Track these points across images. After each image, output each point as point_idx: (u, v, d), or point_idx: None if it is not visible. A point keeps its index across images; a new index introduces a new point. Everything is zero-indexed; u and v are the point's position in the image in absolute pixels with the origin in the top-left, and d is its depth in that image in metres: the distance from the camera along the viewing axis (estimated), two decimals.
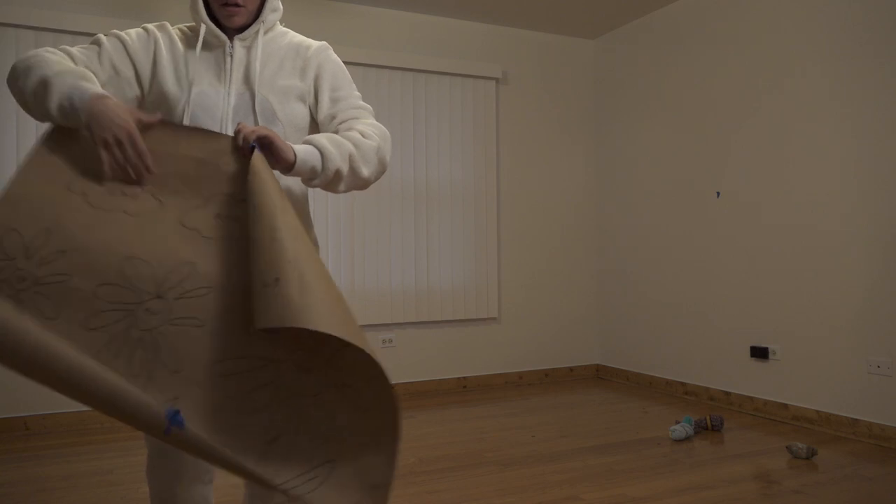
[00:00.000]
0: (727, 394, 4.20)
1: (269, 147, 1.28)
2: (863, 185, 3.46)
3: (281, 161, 1.30)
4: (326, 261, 4.47)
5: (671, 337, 4.65)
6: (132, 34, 1.48)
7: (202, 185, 1.26)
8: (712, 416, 3.66)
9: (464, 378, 4.86)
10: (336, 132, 1.48)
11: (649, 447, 3.36)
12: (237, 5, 1.43)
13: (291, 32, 1.59)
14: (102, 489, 2.84)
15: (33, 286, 1.12)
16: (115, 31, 1.49)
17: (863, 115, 3.46)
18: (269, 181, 1.23)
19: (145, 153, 1.22)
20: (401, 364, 4.68)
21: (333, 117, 1.52)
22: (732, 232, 4.18)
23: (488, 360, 4.96)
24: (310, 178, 1.37)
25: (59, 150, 1.22)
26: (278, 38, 1.55)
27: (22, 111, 3.79)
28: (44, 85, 1.24)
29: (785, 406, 3.84)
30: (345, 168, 1.40)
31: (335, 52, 1.60)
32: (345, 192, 1.46)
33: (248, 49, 1.50)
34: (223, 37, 1.48)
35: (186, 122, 1.44)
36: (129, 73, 1.45)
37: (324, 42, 1.59)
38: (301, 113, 1.53)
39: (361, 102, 1.56)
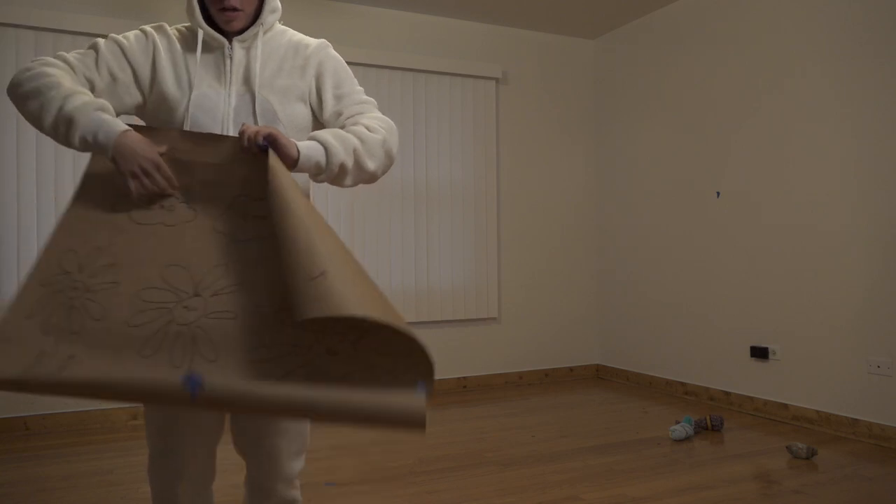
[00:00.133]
0: (727, 394, 4.20)
1: (273, 144, 1.31)
2: (863, 185, 3.46)
3: (285, 158, 1.32)
4: None
5: (671, 337, 4.65)
6: (130, 37, 1.48)
7: (223, 189, 1.35)
8: (712, 416, 3.66)
9: (464, 378, 4.86)
10: (343, 128, 1.49)
11: (649, 447, 3.36)
12: (235, 10, 1.43)
13: (290, 31, 1.58)
14: (102, 489, 2.84)
15: (84, 293, 1.28)
16: (113, 35, 1.49)
17: (863, 115, 3.46)
18: (290, 180, 1.30)
19: (171, 177, 1.33)
20: None
21: (339, 114, 1.53)
22: (732, 232, 4.18)
23: (488, 360, 4.96)
24: (315, 173, 1.40)
25: (102, 175, 1.36)
26: (277, 37, 1.54)
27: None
28: (67, 120, 1.32)
29: (785, 406, 3.84)
30: (349, 162, 1.42)
31: (335, 51, 1.60)
32: (352, 185, 1.48)
33: (248, 50, 1.50)
34: (222, 39, 1.48)
35: (187, 124, 1.44)
36: (128, 78, 1.45)
37: (323, 39, 1.59)
38: (302, 113, 1.53)
39: (365, 97, 1.57)
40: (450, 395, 4.67)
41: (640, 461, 3.14)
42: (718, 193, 4.28)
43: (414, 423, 1.19)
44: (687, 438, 3.48)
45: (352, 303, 1.15)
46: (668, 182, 4.67)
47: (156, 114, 1.48)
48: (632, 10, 4.77)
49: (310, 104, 1.55)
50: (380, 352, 1.26)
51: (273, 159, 1.32)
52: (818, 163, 3.68)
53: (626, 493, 2.72)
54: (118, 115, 1.43)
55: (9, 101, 3.75)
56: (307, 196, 1.58)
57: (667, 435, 3.58)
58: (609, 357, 5.23)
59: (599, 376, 5.29)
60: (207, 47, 1.49)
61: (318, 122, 1.58)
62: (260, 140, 1.31)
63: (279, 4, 1.52)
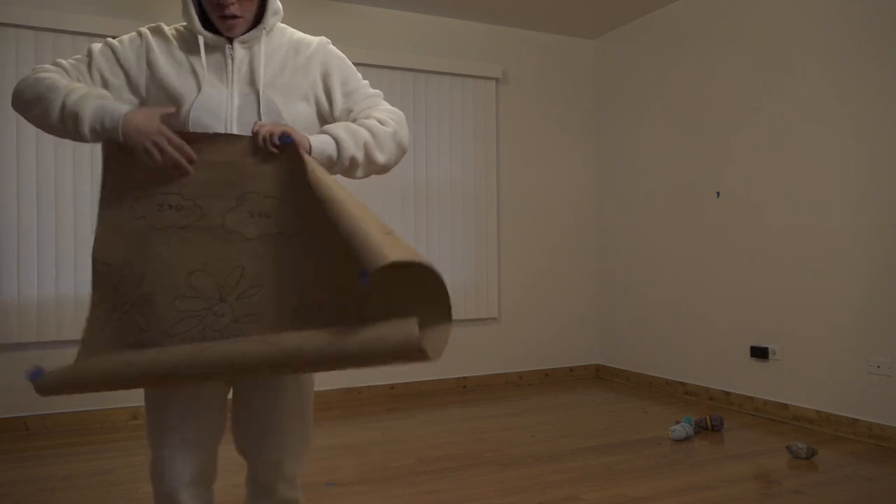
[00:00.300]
0: (727, 394, 4.20)
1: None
2: (863, 185, 3.46)
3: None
4: None
5: (671, 337, 4.65)
6: (124, 40, 1.49)
7: (233, 187, 1.39)
8: (712, 416, 3.66)
9: (464, 378, 4.86)
10: (354, 122, 1.54)
11: (649, 447, 3.36)
12: (235, 17, 1.44)
13: (290, 29, 1.59)
14: (102, 489, 2.84)
15: (131, 309, 1.37)
16: (108, 39, 1.51)
17: (863, 115, 3.46)
18: (324, 171, 1.38)
19: (182, 144, 1.35)
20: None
21: (350, 111, 1.57)
22: (732, 232, 4.18)
23: (488, 360, 4.96)
24: (327, 166, 1.45)
25: (115, 181, 1.40)
26: (277, 36, 1.55)
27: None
28: (72, 116, 1.36)
29: (785, 406, 3.84)
30: (360, 156, 1.48)
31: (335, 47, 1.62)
32: (363, 177, 1.54)
33: (250, 49, 1.51)
34: (221, 40, 1.49)
35: (190, 124, 1.44)
36: (120, 83, 1.47)
37: (323, 37, 1.61)
38: (305, 112, 1.54)
39: (371, 90, 1.61)
40: (450, 395, 4.67)
41: (640, 461, 3.14)
42: (718, 193, 4.28)
43: (410, 350, 1.22)
44: (687, 438, 3.48)
45: (415, 253, 1.26)
46: (668, 182, 4.67)
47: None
48: (632, 10, 4.77)
49: (315, 103, 1.56)
50: (385, 315, 1.32)
51: (297, 154, 1.39)
52: (818, 163, 3.68)
53: (626, 493, 2.72)
54: None
55: (8, 101, 3.75)
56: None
57: (667, 435, 3.58)
58: (609, 357, 5.23)
59: (599, 376, 5.29)
60: (208, 47, 1.50)
61: (322, 120, 1.60)
62: (276, 139, 1.36)
63: (280, 6, 1.53)
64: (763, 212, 3.98)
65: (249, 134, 1.43)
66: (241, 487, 2.81)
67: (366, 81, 1.62)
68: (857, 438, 3.46)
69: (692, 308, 4.48)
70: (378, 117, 1.53)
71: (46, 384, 1.29)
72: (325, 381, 4.46)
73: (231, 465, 3.09)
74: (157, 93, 1.47)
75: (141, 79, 1.47)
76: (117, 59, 1.47)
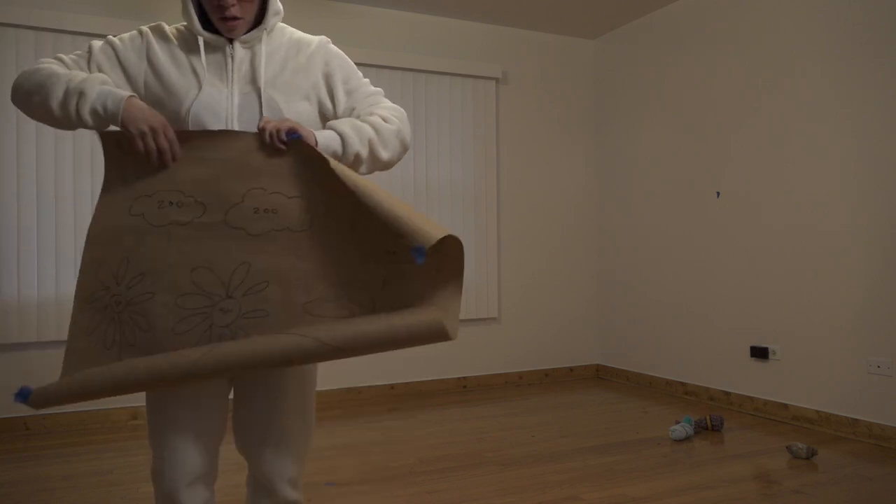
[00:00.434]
0: (727, 394, 4.20)
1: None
2: (863, 185, 3.46)
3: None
4: None
5: (671, 337, 4.65)
6: (125, 38, 1.50)
7: (236, 183, 1.39)
8: (712, 416, 3.66)
9: (464, 378, 4.86)
10: (358, 119, 1.56)
11: (649, 447, 3.36)
12: (236, 18, 1.45)
13: (289, 29, 1.59)
14: (102, 489, 2.84)
15: (127, 307, 1.35)
16: (109, 37, 1.51)
17: (863, 115, 3.46)
18: (339, 164, 1.39)
19: (174, 140, 1.38)
20: (401, 364, 4.68)
21: (352, 109, 1.58)
22: (732, 232, 4.18)
23: (488, 360, 4.96)
24: None
25: (113, 180, 1.40)
26: (277, 36, 1.56)
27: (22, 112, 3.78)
28: (74, 93, 1.36)
29: (785, 406, 3.84)
30: (364, 152, 1.50)
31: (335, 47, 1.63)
32: (367, 173, 1.56)
33: (251, 49, 1.51)
34: (221, 40, 1.49)
35: (190, 122, 1.45)
36: (119, 79, 1.48)
37: (323, 36, 1.61)
38: (306, 111, 1.54)
39: (373, 88, 1.63)
40: (450, 395, 4.68)
41: (640, 461, 3.14)
42: (718, 193, 4.28)
43: (434, 330, 1.28)
44: (687, 438, 3.48)
45: (446, 229, 1.31)
46: (668, 182, 4.67)
47: (158, 111, 1.48)
48: (632, 10, 4.77)
49: (317, 102, 1.56)
50: (400, 303, 1.36)
51: (306, 149, 1.40)
52: (818, 163, 3.68)
53: (626, 493, 2.72)
54: None
55: (9, 100, 3.75)
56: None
57: (667, 435, 3.58)
58: (609, 357, 5.23)
59: (599, 376, 5.29)
60: (208, 47, 1.50)
61: (323, 119, 1.61)
62: (283, 135, 1.38)
63: (281, 7, 1.53)
64: (763, 212, 3.98)
65: (251, 132, 1.44)
66: (242, 487, 2.81)
67: (367, 80, 1.63)
68: (857, 438, 3.46)
69: (692, 308, 4.48)
70: (381, 114, 1.55)
71: (38, 400, 1.29)
72: (326, 381, 4.46)
73: (232, 465, 3.09)
74: (157, 91, 1.47)
75: (140, 77, 1.47)
76: (117, 57, 1.47)
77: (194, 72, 1.47)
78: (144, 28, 1.51)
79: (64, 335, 3.80)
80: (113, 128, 1.49)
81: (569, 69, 5.31)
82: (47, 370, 3.80)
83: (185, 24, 1.53)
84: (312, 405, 1.59)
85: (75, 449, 3.43)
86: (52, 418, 3.80)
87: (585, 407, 4.28)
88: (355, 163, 1.50)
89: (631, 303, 5.00)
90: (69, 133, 3.86)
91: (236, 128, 1.46)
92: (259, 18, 1.53)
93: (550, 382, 5.10)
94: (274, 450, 1.52)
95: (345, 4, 4.59)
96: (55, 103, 1.37)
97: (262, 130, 1.38)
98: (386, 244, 1.37)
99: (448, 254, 1.38)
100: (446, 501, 2.65)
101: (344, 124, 1.48)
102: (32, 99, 1.39)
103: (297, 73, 1.53)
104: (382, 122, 1.54)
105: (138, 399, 3.98)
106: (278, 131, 1.38)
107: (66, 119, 1.38)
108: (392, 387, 4.63)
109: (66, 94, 1.36)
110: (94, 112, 1.36)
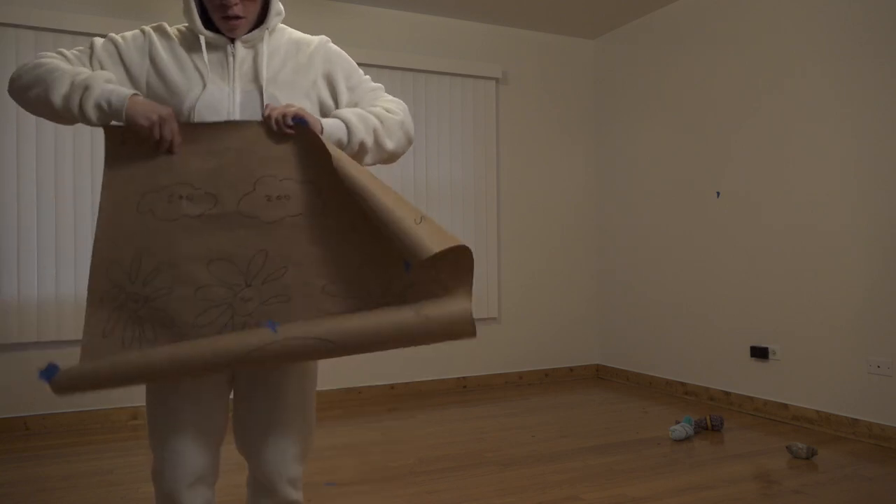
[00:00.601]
0: (727, 394, 4.21)
1: (302, 121, 1.40)
2: (863, 185, 3.46)
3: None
4: None
5: (671, 337, 4.65)
6: (127, 37, 1.50)
7: (246, 172, 1.39)
8: (712, 416, 3.66)
9: (464, 378, 4.86)
10: None
11: (649, 447, 3.36)
12: (238, 17, 1.45)
13: (289, 29, 1.61)
14: (102, 489, 2.84)
15: (145, 304, 1.35)
16: (111, 34, 1.51)
17: (863, 115, 3.46)
18: (343, 154, 1.40)
19: (177, 131, 1.38)
20: (401, 364, 4.68)
21: (356, 104, 1.59)
22: (732, 232, 4.18)
23: (488, 360, 4.96)
24: None
25: (117, 178, 1.40)
26: (277, 36, 1.57)
27: (22, 112, 3.79)
28: (79, 88, 1.37)
29: (785, 406, 3.84)
30: (370, 141, 1.50)
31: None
32: (371, 164, 1.57)
33: (253, 47, 1.52)
34: (223, 39, 1.50)
35: (192, 120, 1.45)
36: (121, 76, 1.48)
37: (322, 36, 1.62)
38: (308, 109, 1.54)
39: (373, 83, 1.64)
40: (450, 395, 4.68)
41: (640, 461, 3.14)
42: (718, 193, 4.28)
43: (463, 327, 1.31)
44: (687, 438, 3.48)
45: (451, 238, 1.32)
46: (668, 182, 4.67)
47: None
48: (632, 10, 4.77)
49: (317, 101, 1.57)
50: (426, 299, 1.38)
51: (312, 135, 1.40)
52: (818, 163, 3.68)
53: (626, 493, 2.72)
54: None
55: (9, 100, 3.75)
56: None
57: (667, 435, 3.58)
58: (609, 357, 5.23)
59: (599, 376, 5.29)
60: (209, 46, 1.51)
61: (324, 117, 1.60)
62: (289, 120, 1.39)
63: (282, 7, 1.54)
64: (763, 212, 3.98)
65: (256, 120, 1.44)
66: (243, 487, 2.81)
67: (367, 77, 1.64)
68: (857, 438, 3.46)
69: (692, 308, 4.48)
70: (385, 106, 1.57)
71: (61, 382, 1.27)
72: (326, 381, 4.46)
73: (232, 465, 3.09)
74: (159, 89, 1.47)
75: (143, 75, 1.47)
76: (119, 54, 1.47)
77: (197, 70, 1.48)
78: (146, 28, 1.52)
79: (64, 335, 3.80)
80: (115, 125, 1.48)
81: (569, 69, 5.31)
82: None
83: (186, 24, 1.54)
84: (313, 405, 1.59)
85: (75, 449, 3.43)
86: (52, 418, 3.80)
87: (585, 407, 4.28)
88: (360, 151, 1.51)
89: (631, 303, 5.00)
90: (69, 133, 3.86)
91: None
92: (260, 19, 1.54)
93: (550, 382, 5.10)
94: (274, 450, 1.52)
95: (345, 4, 4.59)
96: (57, 97, 1.37)
97: (267, 118, 1.40)
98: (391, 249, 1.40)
99: (457, 261, 1.38)
100: (446, 501, 2.65)
101: (349, 112, 1.49)
102: (31, 91, 1.39)
103: (297, 71, 1.54)
104: (386, 113, 1.55)
105: (138, 399, 3.98)
106: (284, 116, 1.39)
107: (66, 112, 1.38)
108: (392, 387, 4.63)
109: (71, 88, 1.36)
110: (97, 107, 1.37)
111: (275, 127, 1.39)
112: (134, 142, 1.40)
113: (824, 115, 3.64)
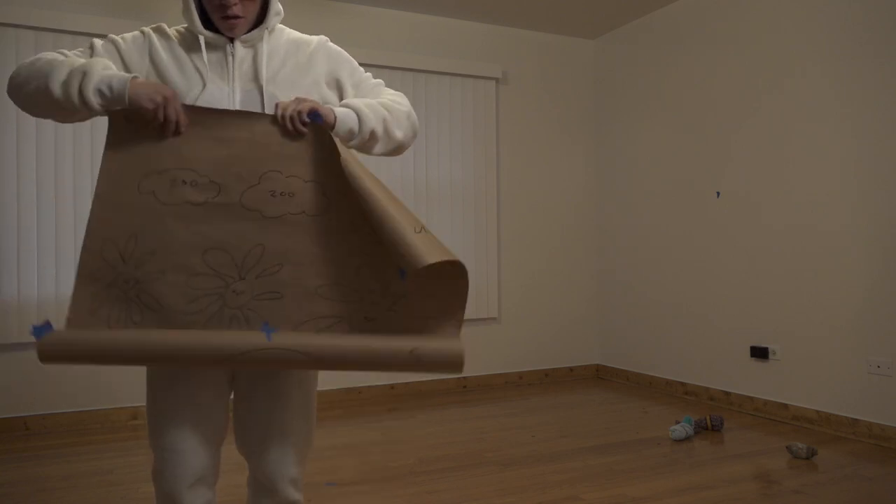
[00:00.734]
0: (727, 394, 4.21)
1: (317, 116, 1.41)
2: (863, 185, 3.46)
3: (324, 124, 1.43)
4: None
5: (671, 337, 4.65)
6: (127, 38, 1.50)
7: (253, 165, 1.38)
8: (712, 416, 3.66)
9: (464, 378, 4.86)
10: None
11: (649, 447, 3.36)
12: (237, 17, 1.46)
13: (287, 29, 1.61)
14: (102, 489, 2.84)
15: (136, 286, 1.33)
16: (111, 35, 1.51)
17: (863, 115, 3.46)
18: (354, 157, 1.42)
19: (181, 112, 1.36)
20: None
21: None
22: (732, 232, 4.18)
23: (488, 360, 4.97)
24: (347, 139, 1.48)
25: (120, 156, 1.37)
26: (277, 36, 1.57)
27: (22, 112, 3.78)
28: (78, 73, 1.34)
29: (785, 406, 3.84)
30: (379, 129, 1.52)
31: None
32: (380, 154, 1.58)
33: (252, 47, 1.52)
34: (222, 39, 1.50)
35: None
36: None
37: (322, 36, 1.63)
38: None
39: (374, 80, 1.66)
40: (450, 395, 4.68)
41: (640, 461, 3.14)
42: (718, 193, 4.28)
43: (452, 362, 1.32)
44: (687, 438, 3.48)
45: (447, 251, 1.32)
46: (668, 182, 4.67)
47: None
48: (632, 10, 4.77)
49: (320, 100, 1.57)
50: (414, 315, 1.39)
51: (325, 134, 1.41)
52: (818, 163, 3.68)
53: (626, 493, 2.72)
54: None
55: (9, 100, 3.75)
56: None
57: (667, 435, 3.58)
58: (609, 357, 5.23)
59: (599, 376, 5.29)
60: (209, 46, 1.51)
61: None
62: (304, 116, 1.39)
63: (281, 7, 1.55)
64: (763, 212, 3.98)
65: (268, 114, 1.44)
66: (243, 487, 2.81)
67: (369, 74, 1.66)
68: (857, 438, 3.46)
69: (692, 308, 4.48)
70: (390, 98, 1.59)
71: (45, 345, 1.25)
72: (326, 381, 4.46)
73: (232, 465, 3.09)
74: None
75: (142, 75, 1.48)
76: (119, 54, 1.47)
77: (197, 70, 1.48)
78: (146, 28, 1.52)
79: None
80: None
81: (569, 69, 5.31)
82: (47, 370, 3.81)
83: (185, 25, 1.55)
84: (314, 405, 1.59)
85: (75, 449, 3.43)
86: (52, 418, 3.80)
87: (585, 407, 4.28)
88: (371, 140, 1.52)
89: (631, 303, 5.00)
90: (69, 133, 3.86)
91: None
92: (259, 19, 1.54)
93: (550, 382, 5.10)
94: (275, 450, 1.52)
95: (345, 4, 4.59)
96: (56, 84, 1.33)
97: (281, 117, 1.39)
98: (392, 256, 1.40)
99: (453, 282, 1.38)
100: (446, 501, 2.65)
101: (359, 102, 1.51)
102: (30, 84, 1.36)
103: (297, 70, 1.54)
104: (394, 104, 1.57)
105: (138, 399, 3.98)
106: (299, 113, 1.39)
107: (66, 100, 1.34)
108: (392, 387, 4.64)
109: (70, 74, 1.34)
110: (98, 91, 1.33)
111: (289, 126, 1.39)
112: (140, 121, 1.37)
113: (824, 115, 3.64)
